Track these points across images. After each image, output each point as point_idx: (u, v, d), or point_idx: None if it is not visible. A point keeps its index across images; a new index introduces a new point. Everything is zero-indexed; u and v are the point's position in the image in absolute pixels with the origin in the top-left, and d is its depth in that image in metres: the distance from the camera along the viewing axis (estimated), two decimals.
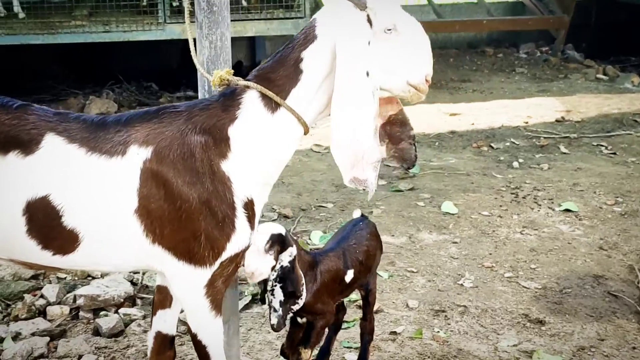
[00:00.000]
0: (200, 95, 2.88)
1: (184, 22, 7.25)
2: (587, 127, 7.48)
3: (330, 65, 2.34)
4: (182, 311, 2.80)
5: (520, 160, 6.40)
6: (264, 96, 2.38)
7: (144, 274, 4.25)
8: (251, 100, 2.39)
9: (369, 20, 2.32)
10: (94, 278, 4.25)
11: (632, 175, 6.05)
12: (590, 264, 4.53)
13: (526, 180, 5.92)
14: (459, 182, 5.88)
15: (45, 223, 2.32)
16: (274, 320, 2.71)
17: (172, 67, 9.55)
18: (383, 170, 6.30)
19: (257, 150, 2.39)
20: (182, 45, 9.19)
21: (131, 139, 2.35)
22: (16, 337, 3.62)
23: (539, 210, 5.34)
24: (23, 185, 2.30)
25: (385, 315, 3.91)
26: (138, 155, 2.33)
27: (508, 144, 6.92)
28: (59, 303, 3.96)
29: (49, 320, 3.79)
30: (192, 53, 2.68)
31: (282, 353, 3.15)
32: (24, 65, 8.47)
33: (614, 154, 6.61)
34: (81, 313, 3.89)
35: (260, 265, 2.60)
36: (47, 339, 3.60)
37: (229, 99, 2.41)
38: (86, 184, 2.32)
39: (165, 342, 2.75)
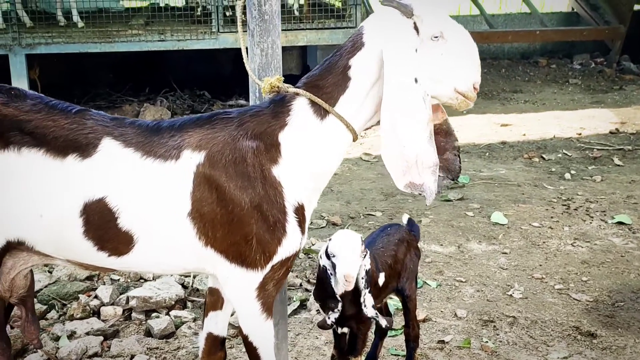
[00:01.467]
0: (251, 101, 2.93)
1: (237, 31, 7.37)
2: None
3: (377, 72, 2.37)
4: (232, 314, 2.85)
5: (573, 172, 6.31)
6: (313, 103, 2.42)
7: (194, 277, 4.32)
8: (300, 107, 2.43)
9: (416, 28, 2.33)
10: (146, 280, 4.34)
11: None
12: None
13: (578, 192, 5.84)
14: (509, 192, 5.84)
15: (102, 225, 2.39)
16: (384, 322, 2.91)
17: (225, 75, 9.70)
18: None
19: (307, 156, 2.42)
20: (235, 54, 9.38)
21: (185, 143, 2.40)
22: (71, 335, 3.72)
23: (591, 223, 5.26)
24: (81, 187, 2.37)
25: (433, 324, 3.91)
26: (191, 159, 2.38)
27: (560, 155, 6.83)
28: (112, 304, 4.05)
29: (103, 320, 3.89)
30: (245, 60, 2.73)
31: None
32: (82, 73, 8.70)
33: None
34: (133, 314, 3.98)
35: (357, 269, 2.72)
36: (101, 338, 3.69)
37: (279, 105, 2.45)
38: (141, 187, 2.38)
39: (216, 344, 2.79)
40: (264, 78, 2.56)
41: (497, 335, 3.83)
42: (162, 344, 3.72)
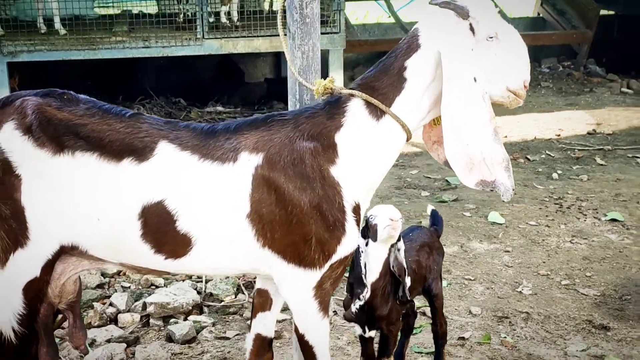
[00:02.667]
0: (290, 105, 2.95)
1: (221, 38, 7.30)
2: (620, 139, 7.56)
3: (433, 73, 2.41)
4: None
5: (559, 172, 6.47)
6: (368, 104, 2.45)
7: (207, 282, 4.32)
8: (356, 108, 2.46)
9: (472, 29, 2.39)
10: (157, 287, 4.32)
11: None
12: None
13: (568, 191, 5.99)
14: (496, 197, 5.94)
15: (160, 228, 2.39)
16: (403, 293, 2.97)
17: (199, 82, 9.67)
18: (424, 182, 6.39)
19: (363, 156, 2.46)
20: (215, 61, 9.37)
21: (241, 145, 2.42)
22: (92, 343, 3.67)
23: (585, 220, 5.40)
24: (139, 190, 2.37)
25: (450, 321, 3.95)
26: (249, 161, 2.40)
27: (544, 156, 6.99)
28: (129, 311, 4.02)
29: (121, 328, 3.86)
30: (290, 64, 2.75)
31: None
32: (61, 81, 8.56)
33: None
34: (152, 320, 3.95)
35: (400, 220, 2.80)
36: (124, 345, 3.65)
37: (334, 107, 2.48)
38: (200, 189, 2.39)
39: (264, 344, 2.81)
40: (316, 80, 2.59)
41: (514, 330, 3.91)
42: (185, 349, 3.70)
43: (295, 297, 2.52)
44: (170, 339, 3.79)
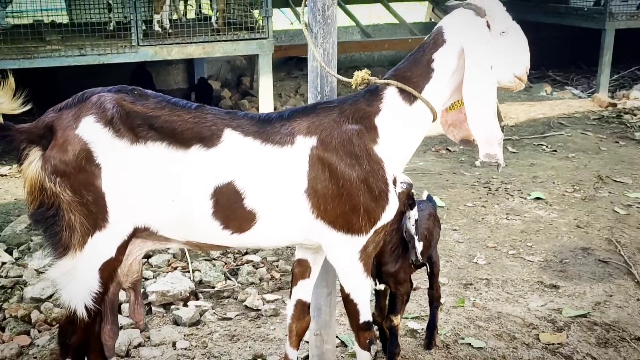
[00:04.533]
0: (311, 97, 3.29)
1: (156, 45, 7.47)
2: (523, 130, 8.34)
3: (457, 64, 2.83)
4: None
5: (479, 161, 7.11)
6: (402, 91, 2.84)
7: (194, 271, 4.59)
8: (391, 95, 2.84)
9: (488, 25, 2.85)
10: (146, 279, 4.54)
11: (579, 168, 6.90)
12: (575, 239, 5.25)
13: (492, 176, 6.64)
14: (435, 180, 6.52)
15: (229, 205, 2.71)
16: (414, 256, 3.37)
17: None
18: None
19: (399, 135, 2.85)
20: (131, 69, 9.47)
21: (296, 130, 2.78)
22: None
23: (513, 200, 6.05)
24: (210, 173, 2.68)
25: (423, 291, 4.44)
26: (305, 143, 2.75)
27: (461, 147, 7.59)
28: (129, 301, 4.22)
29: (127, 317, 4.07)
30: (320, 60, 3.11)
31: (374, 322, 3.61)
32: None
33: (555, 151, 7.47)
34: (154, 308, 4.20)
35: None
36: (138, 330, 3.89)
37: (373, 94, 2.86)
38: (264, 169, 2.73)
39: (304, 309, 3.16)
40: (354, 73, 2.97)
41: (480, 294, 4.44)
42: (194, 330, 3.98)
43: (343, 261, 2.89)
44: (176, 323, 4.05)
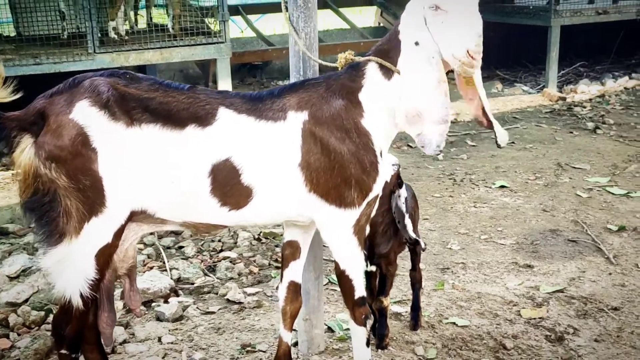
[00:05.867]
0: (293, 80, 3.32)
1: (113, 52, 7.40)
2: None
3: (414, 38, 2.75)
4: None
5: (442, 155, 7.21)
6: (381, 66, 2.87)
7: (172, 269, 4.55)
8: (372, 71, 2.86)
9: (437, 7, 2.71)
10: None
11: (538, 157, 7.06)
12: (542, 222, 5.38)
13: (456, 168, 6.75)
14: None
15: (227, 182, 2.71)
16: (423, 244, 3.51)
17: None
18: None
19: (382, 109, 2.89)
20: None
21: (287, 106, 2.80)
22: None
23: (479, 189, 6.16)
24: (208, 151, 2.69)
25: (403, 277, 4.47)
26: (297, 118, 2.78)
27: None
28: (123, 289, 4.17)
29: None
30: (300, 45, 3.14)
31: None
32: None
33: (513, 143, 7.62)
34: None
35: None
36: (122, 328, 3.83)
37: (355, 70, 2.88)
38: (259, 145, 2.74)
39: (297, 290, 3.17)
40: (339, 55, 3.00)
41: (458, 277, 4.51)
42: (178, 325, 3.95)
43: (337, 235, 2.90)
44: (159, 319, 4.01)
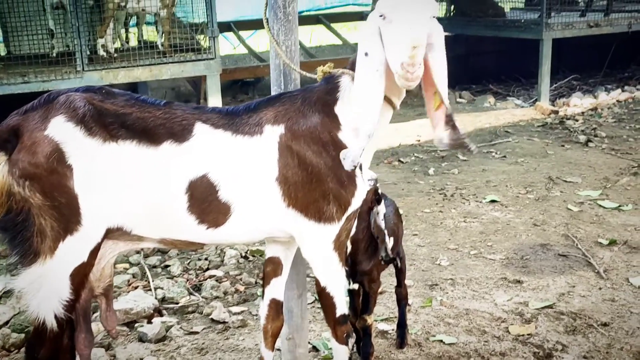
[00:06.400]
0: (273, 91, 3.28)
1: (102, 69, 7.36)
2: (471, 139, 8.25)
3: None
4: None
5: (433, 169, 7.19)
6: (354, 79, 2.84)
7: (156, 289, 4.49)
8: (346, 83, 2.80)
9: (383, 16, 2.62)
10: None
11: (529, 171, 7.02)
12: (533, 237, 5.33)
13: (447, 183, 6.71)
14: (391, 190, 6.54)
15: (205, 198, 2.67)
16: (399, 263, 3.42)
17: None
18: None
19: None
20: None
21: (263, 120, 2.76)
22: None
23: (469, 204, 6.11)
24: (185, 167, 2.64)
25: (390, 294, 4.43)
26: (274, 132, 2.74)
27: (413, 158, 7.71)
28: (92, 321, 4.10)
29: None
30: (283, 57, 3.11)
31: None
32: None
33: (504, 157, 7.59)
34: (117, 327, 4.06)
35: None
36: (103, 350, 3.77)
37: (330, 83, 2.83)
38: (236, 160, 2.70)
39: (278, 308, 3.11)
40: (318, 68, 2.97)
41: (447, 293, 4.45)
42: (161, 346, 3.89)
43: (317, 251, 2.85)
44: (141, 340, 3.95)
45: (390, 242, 3.38)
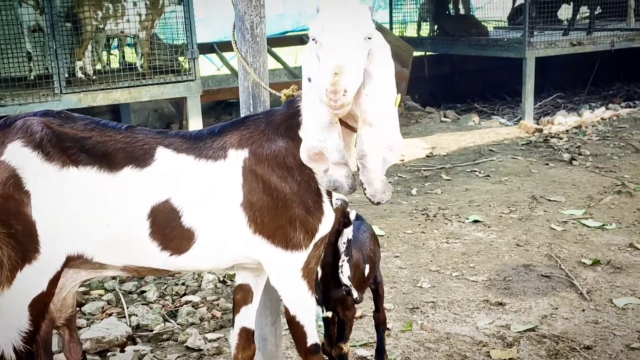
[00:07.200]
0: (242, 113, 3.21)
1: (80, 92, 7.29)
2: (455, 158, 8.42)
3: None
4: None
5: (416, 189, 7.12)
6: None
7: (130, 316, 4.38)
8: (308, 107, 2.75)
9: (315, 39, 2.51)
10: (80, 328, 4.31)
11: (512, 190, 6.97)
12: (515, 257, 5.25)
13: (429, 203, 6.64)
14: (373, 210, 6.46)
15: (167, 224, 2.59)
16: (355, 294, 3.10)
17: None
18: None
19: None
20: None
21: (227, 144, 2.69)
22: None
23: (452, 224, 6.04)
24: (146, 192, 2.56)
25: (370, 318, 4.33)
26: (237, 156, 2.67)
27: (396, 178, 7.64)
28: (60, 351, 3.99)
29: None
30: (254, 76, 3.04)
31: (324, 351, 3.47)
32: None
33: (488, 176, 7.53)
34: (89, 356, 3.95)
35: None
36: None
37: (291, 107, 2.75)
38: (199, 185, 2.63)
39: (249, 337, 3.02)
40: (283, 90, 2.90)
41: (427, 317, 4.36)
42: None
43: (285, 279, 2.77)
44: None
45: (366, 269, 3.29)
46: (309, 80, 2.50)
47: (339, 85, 2.28)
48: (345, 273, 3.10)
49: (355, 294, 3.12)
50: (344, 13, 2.42)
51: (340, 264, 3.10)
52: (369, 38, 2.42)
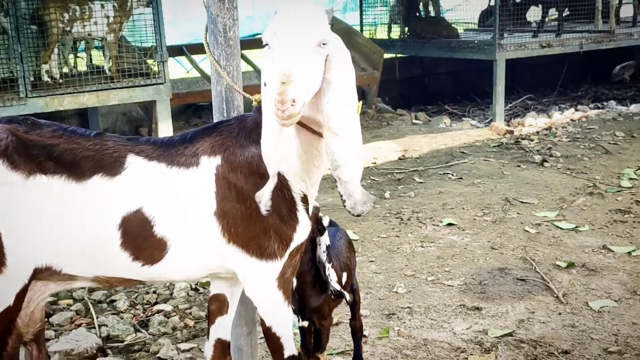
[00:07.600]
0: (215, 118, 3.12)
1: (46, 96, 7.13)
2: (427, 161, 8.40)
3: None
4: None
5: (389, 192, 7.07)
6: None
7: (100, 326, 4.27)
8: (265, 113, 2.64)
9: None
10: (47, 340, 4.19)
11: (485, 192, 6.95)
12: (490, 260, 5.23)
13: (403, 207, 6.59)
14: (346, 214, 6.34)
15: (139, 234, 2.50)
16: (348, 297, 3.13)
17: None
18: None
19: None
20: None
21: (200, 151, 2.61)
22: None
23: (426, 228, 6.00)
24: (117, 201, 2.47)
25: (345, 325, 4.26)
26: (210, 163, 2.59)
27: (369, 181, 7.59)
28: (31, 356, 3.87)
29: None
30: (228, 80, 2.96)
31: None
32: None
33: (461, 178, 7.52)
34: None
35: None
36: None
37: (261, 113, 2.67)
38: (172, 193, 2.54)
39: (224, 349, 2.93)
40: (254, 95, 2.81)
41: (404, 323, 4.31)
42: None
43: (260, 290, 2.69)
44: None
45: (332, 275, 3.22)
46: (265, 85, 2.40)
47: (285, 95, 2.17)
48: (333, 279, 3.06)
49: (347, 296, 3.12)
50: (296, 17, 2.32)
51: (327, 272, 3.05)
52: (324, 44, 2.32)
